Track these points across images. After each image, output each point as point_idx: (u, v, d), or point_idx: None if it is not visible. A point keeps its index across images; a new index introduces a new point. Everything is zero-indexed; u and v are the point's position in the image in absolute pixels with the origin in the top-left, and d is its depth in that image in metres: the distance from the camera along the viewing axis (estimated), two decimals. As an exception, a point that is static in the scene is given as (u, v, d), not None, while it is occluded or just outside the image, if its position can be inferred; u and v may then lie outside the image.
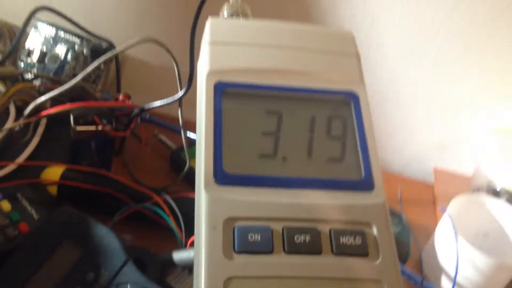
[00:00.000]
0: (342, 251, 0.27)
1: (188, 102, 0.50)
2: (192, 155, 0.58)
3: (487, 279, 0.49)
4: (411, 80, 0.66)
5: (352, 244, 0.28)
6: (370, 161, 0.31)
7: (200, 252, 0.27)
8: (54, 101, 0.60)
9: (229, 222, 0.27)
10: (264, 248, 0.27)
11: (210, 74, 0.32)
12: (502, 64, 0.62)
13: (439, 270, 0.52)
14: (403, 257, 0.49)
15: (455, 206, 0.53)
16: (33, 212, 0.47)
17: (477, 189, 0.61)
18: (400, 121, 0.69)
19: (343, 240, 0.28)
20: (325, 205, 0.29)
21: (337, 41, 0.35)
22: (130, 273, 0.41)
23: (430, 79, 0.65)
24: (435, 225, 0.60)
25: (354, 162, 0.31)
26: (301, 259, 0.27)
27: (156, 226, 0.49)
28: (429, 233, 0.57)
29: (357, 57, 0.35)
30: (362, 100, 0.33)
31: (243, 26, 0.35)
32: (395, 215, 0.52)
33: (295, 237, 0.27)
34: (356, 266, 0.27)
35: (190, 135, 0.60)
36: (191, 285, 0.44)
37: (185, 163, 0.57)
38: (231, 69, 0.33)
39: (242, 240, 0.27)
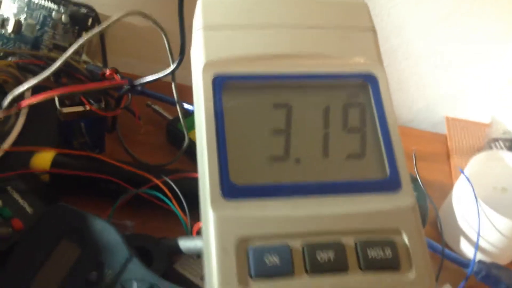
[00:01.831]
0: (371, 266, 0.25)
1: (182, 66, 0.46)
2: (190, 127, 0.54)
3: (508, 241, 0.47)
4: (421, 27, 0.61)
5: (382, 257, 0.25)
6: (395, 156, 0.27)
7: (212, 280, 0.24)
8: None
9: (242, 242, 0.24)
10: (284, 270, 0.24)
11: (207, 66, 0.28)
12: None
13: (458, 232, 0.50)
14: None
15: (472, 166, 0.50)
16: (25, 205, 0.44)
17: (493, 140, 0.58)
18: (409, 70, 0.64)
19: (371, 253, 0.25)
20: (348, 214, 0.26)
21: (349, 14, 0.31)
22: (135, 269, 0.38)
23: (442, 26, 0.60)
24: (450, 180, 0.57)
25: (377, 158, 0.28)
26: (326, 279, 0.24)
27: (157, 209, 0.46)
28: (443, 189, 0.54)
29: (373, 31, 0.31)
30: (381, 83, 0.29)
31: (240, 3, 0.30)
32: (411, 179, 0.49)
33: (317, 255, 0.24)
34: (388, 282, 0.24)
35: (186, 105, 0.55)
36: (200, 270, 0.43)
37: (183, 134, 0.53)
38: (230, 57, 0.28)
39: (258, 263, 0.24)
